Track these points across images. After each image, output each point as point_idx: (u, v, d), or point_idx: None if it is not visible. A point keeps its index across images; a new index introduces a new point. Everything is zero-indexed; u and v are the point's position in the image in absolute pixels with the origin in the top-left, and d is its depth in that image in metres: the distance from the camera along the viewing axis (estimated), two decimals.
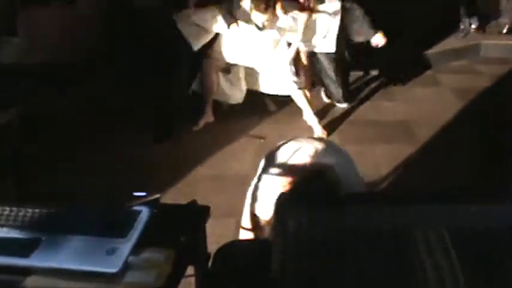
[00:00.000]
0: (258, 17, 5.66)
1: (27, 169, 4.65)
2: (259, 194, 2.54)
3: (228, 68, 6.19)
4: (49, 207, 2.18)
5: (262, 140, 5.59)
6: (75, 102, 6.27)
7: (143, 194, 2.24)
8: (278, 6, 5.75)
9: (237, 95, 6.35)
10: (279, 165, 2.43)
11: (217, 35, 5.93)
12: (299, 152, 2.44)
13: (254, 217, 2.54)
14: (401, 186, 4.54)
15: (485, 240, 2.03)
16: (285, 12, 5.77)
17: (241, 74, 6.30)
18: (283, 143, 2.54)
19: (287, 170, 2.43)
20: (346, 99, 6.56)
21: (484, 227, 2.06)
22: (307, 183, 2.43)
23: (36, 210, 2.15)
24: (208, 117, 6.17)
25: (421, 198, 2.24)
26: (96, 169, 5.05)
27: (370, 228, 2.14)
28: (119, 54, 6.97)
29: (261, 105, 6.44)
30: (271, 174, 2.49)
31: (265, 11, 5.62)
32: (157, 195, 2.23)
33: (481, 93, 6.76)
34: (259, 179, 2.56)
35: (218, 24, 5.80)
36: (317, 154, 2.43)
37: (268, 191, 2.49)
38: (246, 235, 2.64)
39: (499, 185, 3.77)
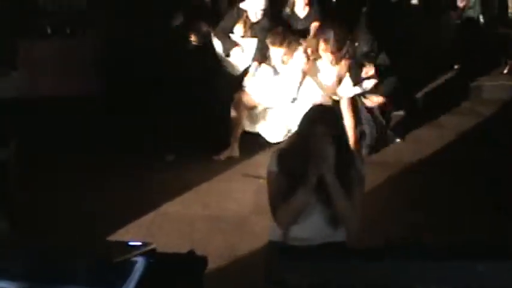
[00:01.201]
0: (276, 52, 5.90)
1: (23, 207, 4.60)
2: None
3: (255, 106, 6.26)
4: (42, 253, 2.11)
5: (261, 180, 5.50)
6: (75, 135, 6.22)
7: (139, 243, 2.17)
8: (301, 48, 5.94)
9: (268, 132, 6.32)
10: None
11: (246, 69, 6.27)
12: None
13: None
14: (401, 238, 4.40)
15: None
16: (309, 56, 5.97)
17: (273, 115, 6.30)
18: None
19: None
20: None
21: (492, 286, 1.99)
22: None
23: (28, 258, 2.08)
24: (234, 151, 6.16)
25: (424, 253, 2.17)
26: (86, 208, 5.00)
27: (372, 284, 2.07)
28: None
29: (259, 145, 6.36)
30: None
31: (280, 45, 5.84)
32: (153, 246, 2.16)
33: (483, 136, 6.67)
34: None
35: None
36: None
37: None
38: None
39: (505, 238, 3.67)
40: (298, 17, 6.52)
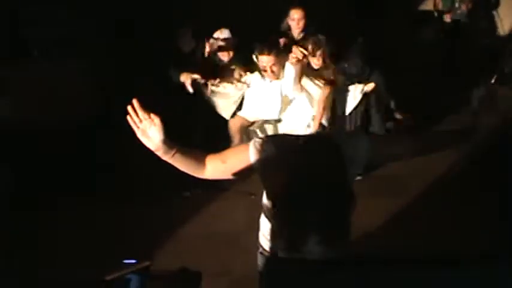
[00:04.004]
0: (264, 60, 5.81)
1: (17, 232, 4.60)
2: None
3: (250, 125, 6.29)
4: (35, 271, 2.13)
5: (253, 197, 5.53)
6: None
7: (133, 261, 2.18)
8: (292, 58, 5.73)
9: None
10: None
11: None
12: None
13: None
14: (402, 249, 4.36)
15: None
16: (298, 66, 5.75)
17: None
18: None
19: None
20: None
21: None
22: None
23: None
24: None
25: (426, 263, 2.15)
26: (83, 232, 4.99)
27: None
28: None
29: None
30: None
31: (268, 54, 5.76)
32: (148, 263, 2.18)
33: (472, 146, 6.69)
34: None
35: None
36: None
37: None
38: None
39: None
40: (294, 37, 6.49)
